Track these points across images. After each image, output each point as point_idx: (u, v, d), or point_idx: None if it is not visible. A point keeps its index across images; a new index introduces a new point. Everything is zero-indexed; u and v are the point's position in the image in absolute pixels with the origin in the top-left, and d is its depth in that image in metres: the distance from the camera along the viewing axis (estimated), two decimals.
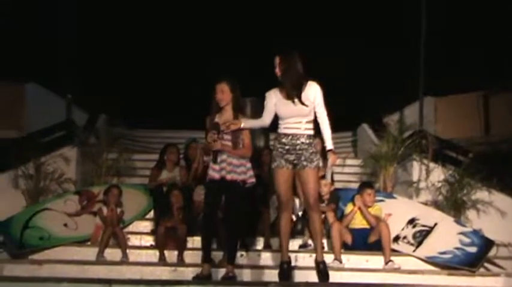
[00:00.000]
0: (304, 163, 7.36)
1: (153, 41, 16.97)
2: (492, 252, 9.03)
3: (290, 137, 7.34)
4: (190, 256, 8.60)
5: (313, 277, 7.90)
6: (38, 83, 13.45)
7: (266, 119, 7.54)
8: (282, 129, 7.38)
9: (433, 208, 9.88)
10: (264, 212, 9.34)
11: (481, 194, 10.34)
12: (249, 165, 7.73)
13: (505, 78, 13.56)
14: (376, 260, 8.64)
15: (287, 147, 7.34)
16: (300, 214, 9.55)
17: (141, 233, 9.47)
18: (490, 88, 14.11)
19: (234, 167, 7.60)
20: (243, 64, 15.48)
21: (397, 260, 8.56)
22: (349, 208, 9.15)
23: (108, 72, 16.02)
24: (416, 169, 11.04)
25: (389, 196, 9.94)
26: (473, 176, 10.34)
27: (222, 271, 7.74)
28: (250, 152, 7.72)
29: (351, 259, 8.64)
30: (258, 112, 12.05)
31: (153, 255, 8.75)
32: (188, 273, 7.88)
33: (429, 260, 8.66)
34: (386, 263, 8.53)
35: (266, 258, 8.67)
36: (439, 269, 8.51)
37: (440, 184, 10.56)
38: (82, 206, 9.58)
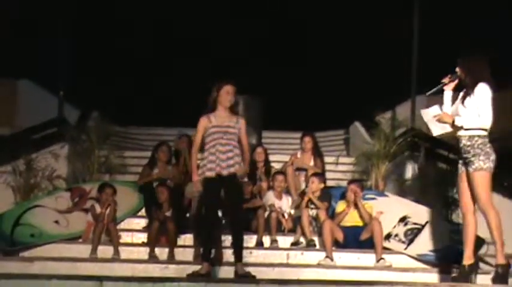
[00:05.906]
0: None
1: (146, 38, 16.95)
2: (483, 250, 9.04)
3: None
4: (181, 254, 8.58)
5: (304, 274, 7.92)
6: (30, 80, 13.41)
7: None
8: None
9: (424, 206, 9.88)
10: (260, 209, 9.29)
11: None
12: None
13: (500, 76, 13.53)
14: (367, 258, 8.65)
15: None
16: (292, 211, 9.55)
17: (132, 231, 9.44)
18: None
19: (229, 160, 7.55)
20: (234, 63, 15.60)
21: (389, 258, 8.58)
22: (340, 206, 9.14)
23: (100, 69, 15.99)
24: (408, 167, 11.05)
25: (381, 194, 9.94)
26: None
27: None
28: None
29: (342, 257, 8.65)
30: (249, 109, 12.05)
31: (145, 252, 8.73)
32: (180, 270, 7.87)
33: (420, 258, 8.66)
34: (377, 260, 8.54)
35: (258, 256, 8.66)
36: (430, 267, 8.52)
37: (431, 182, 10.57)
38: (73, 203, 9.53)
